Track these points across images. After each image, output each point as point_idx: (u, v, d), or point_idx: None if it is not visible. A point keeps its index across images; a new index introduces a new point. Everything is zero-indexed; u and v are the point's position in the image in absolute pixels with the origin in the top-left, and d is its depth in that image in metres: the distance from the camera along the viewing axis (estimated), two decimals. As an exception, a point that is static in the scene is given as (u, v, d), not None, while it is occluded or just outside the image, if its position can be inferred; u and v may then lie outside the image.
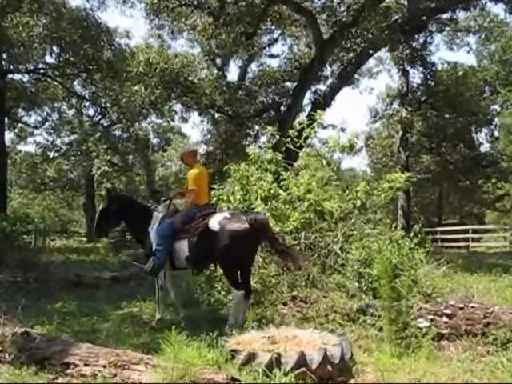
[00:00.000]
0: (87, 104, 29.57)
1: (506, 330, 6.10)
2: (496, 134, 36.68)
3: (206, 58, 26.70)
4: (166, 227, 7.41)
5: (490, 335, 6.19)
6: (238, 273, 7.17)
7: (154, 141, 41.69)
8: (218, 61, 28.50)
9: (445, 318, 6.66)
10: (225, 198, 9.72)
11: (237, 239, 6.92)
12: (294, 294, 8.25)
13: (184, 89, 23.77)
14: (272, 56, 28.83)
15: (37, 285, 11.04)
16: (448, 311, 6.70)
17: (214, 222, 7.12)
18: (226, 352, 5.29)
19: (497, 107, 37.91)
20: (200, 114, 27.79)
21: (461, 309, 6.63)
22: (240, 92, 25.75)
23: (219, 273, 8.40)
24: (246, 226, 6.95)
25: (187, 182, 7.80)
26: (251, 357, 5.07)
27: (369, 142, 38.94)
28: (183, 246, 7.33)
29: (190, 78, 23.91)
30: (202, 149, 29.00)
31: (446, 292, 8.11)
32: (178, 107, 29.38)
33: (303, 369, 4.90)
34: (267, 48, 28.25)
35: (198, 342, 5.46)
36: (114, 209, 7.91)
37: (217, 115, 27.34)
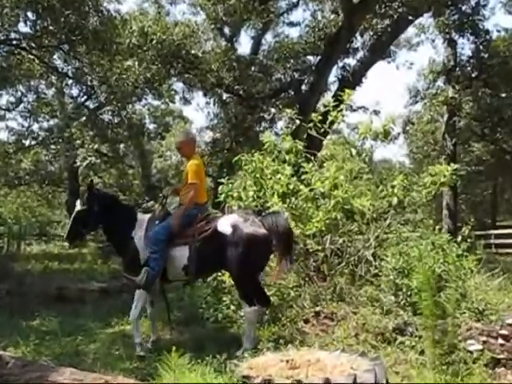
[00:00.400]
0: (70, 82, 29.40)
1: None
2: None
3: (212, 27, 26.62)
4: (161, 230, 7.41)
5: (555, 361, 6.18)
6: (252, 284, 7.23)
7: (151, 126, 41.59)
8: (227, 30, 28.44)
9: (501, 340, 6.64)
10: (235, 194, 9.78)
11: (254, 245, 7.10)
12: (317, 309, 8.29)
13: (186, 64, 23.74)
14: (291, 24, 28.66)
15: (10, 299, 11.13)
16: (504, 332, 6.68)
17: (225, 224, 7.17)
18: (237, 378, 5.27)
19: None
20: (205, 95, 27.78)
21: (520, 329, 6.62)
22: (253, 68, 25.68)
23: (228, 284, 8.45)
24: (264, 230, 7.07)
25: (184, 176, 7.84)
26: (267, 384, 5.09)
27: (407, 128, 38.73)
28: (181, 254, 7.36)
29: (192, 52, 23.88)
30: (208, 136, 29.13)
31: (502, 308, 8.05)
32: (178, 86, 29.30)
33: (328, 399, 4.92)
34: (285, 15, 28.13)
35: (203, 366, 5.48)
36: (95, 210, 7.85)
37: (225, 96, 27.33)
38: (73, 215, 7.97)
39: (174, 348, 4.96)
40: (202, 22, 26.37)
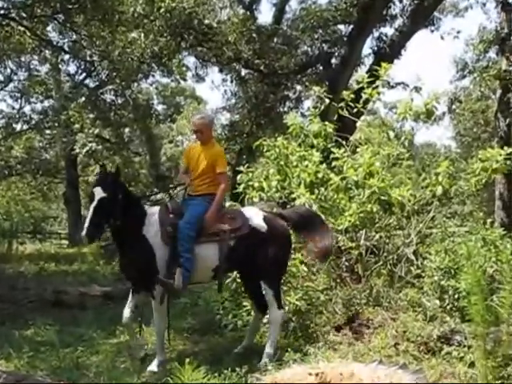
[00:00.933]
0: (66, 57, 29.52)
1: None
2: None
3: (229, -8, 26.67)
4: (189, 226, 7.34)
5: None
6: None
7: (159, 108, 41.85)
8: (245, -4, 28.47)
9: None
10: (256, 184, 9.79)
11: (288, 241, 7.68)
12: (350, 314, 8.30)
13: (198, 36, 23.72)
14: (319, -12, 28.66)
15: (1, 305, 11.19)
16: None
17: (260, 220, 7.41)
18: (259, 394, 5.33)
19: None
20: (221, 71, 27.79)
21: None
22: (275, 40, 25.62)
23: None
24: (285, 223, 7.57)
25: (194, 163, 7.82)
26: (293, 400, 5.11)
27: (454, 107, 38.47)
28: (210, 253, 7.40)
29: (206, 21, 23.84)
30: (225, 118, 29.18)
31: None
32: (190, 61, 29.34)
33: (364, 418, 4.93)
34: (313, -23, 28.07)
35: (221, 380, 5.52)
36: (120, 198, 7.44)
37: (244, 72, 27.30)
38: (93, 204, 7.18)
39: (187, 360, 4.97)
40: (217, -13, 26.34)
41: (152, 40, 22.25)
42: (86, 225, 7.08)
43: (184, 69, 29.84)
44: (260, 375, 5.80)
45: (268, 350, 7.11)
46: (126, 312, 7.59)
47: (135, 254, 7.44)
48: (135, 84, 28.34)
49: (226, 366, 6.02)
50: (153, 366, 7.16)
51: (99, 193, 7.17)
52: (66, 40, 26.93)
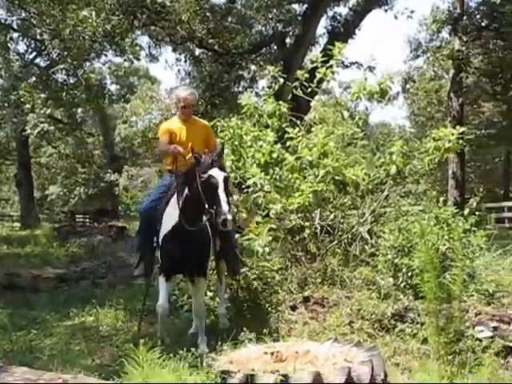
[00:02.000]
0: (15, 36, 29.15)
1: None
2: None
3: (183, -31, 26.45)
4: None
5: None
6: None
7: (112, 87, 41.53)
8: (199, -25, 28.26)
9: (514, 326, 6.76)
10: (210, 164, 9.77)
11: None
12: (306, 294, 8.35)
13: (152, 15, 23.56)
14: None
15: (-50, 289, 11.08)
16: (518, 316, 6.79)
17: None
18: (215, 374, 5.32)
19: None
20: (175, 50, 27.61)
21: (535, 312, 6.73)
22: (229, 19, 25.53)
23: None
24: None
25: (199, 138, 7.71)
26: (249, 380, 5.13)
27: (408, 86, 38.80)
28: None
29: (159, 0, 23.70)
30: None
31: (516, 290, 8.18)
32: (144, 40, 29.14)
33: (319, 395, 4.99)
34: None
35: (176, 361, 5.51)
36: None
37: (198, 51, 27.18)
38: (223, 186, 6.64)
39: (142, 341, 4.97)
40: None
41: (104, 18, 21.98)
42: (226, 208, 6.47)
43: (137, 48, 29.57)
44: (216, 355, 5.83)
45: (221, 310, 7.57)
46: (164, 302, 7.22)
47: (207, 237, 7.32)
48: (87, 63, 27.94)
49: (181, 347, 5.99)
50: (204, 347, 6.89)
51: (219, 174, 6.70)
52: (15, 18, 26.48)
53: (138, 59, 31.92)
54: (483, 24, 31.30)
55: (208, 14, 24.30)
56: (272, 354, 5.74)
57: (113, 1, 22.07)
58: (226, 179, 6.72)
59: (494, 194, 40.36)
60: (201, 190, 6.63)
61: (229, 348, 6.06)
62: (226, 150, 9.75)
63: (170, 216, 7.14)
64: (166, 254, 7.19)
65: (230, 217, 6.37)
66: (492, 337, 6.61)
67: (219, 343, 6.26)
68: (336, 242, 9.33)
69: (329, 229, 9.60)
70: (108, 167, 41.58)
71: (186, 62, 28.34)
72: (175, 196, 7.21)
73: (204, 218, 6.72)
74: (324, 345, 6.11)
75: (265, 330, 6.94)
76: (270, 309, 8.05)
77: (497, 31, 30.89)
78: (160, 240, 7.28)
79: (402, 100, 41.27)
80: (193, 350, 5.84)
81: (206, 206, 6.56)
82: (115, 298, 9.58)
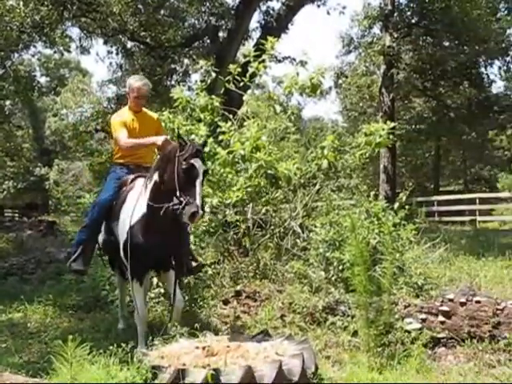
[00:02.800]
0: None
1: (523, 331, 6.34)
2: (513, 68, 37.15)
3: (113, -39, 26.18)
4: None
5: (501, 339, 6.44)
6: None
7: (42, 80, 40.91)
8: (133, -34, 28.01)
9: (441, 318, 6.91)
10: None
11: None
12: (238, 288, 8.38)
13: (82, 6, 23.18)
14: (205, -39, 28.48)
15: None
16: (445, 308, 6.94)
17: None
18: (146, 369, 5.31)
19: (515, 32, 38.59)
20: (106, 43, 27.30)
21: (462, 305, 6.87)
22: (162, 12, 25.37)
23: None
24: None
25: (150, 130, 7.44)
26: (180, 375, 5.12)
27: (340, 81, 39.13)
28: None
29: (90, -9, 23.44)
30: (111, 91, 28.70)
31: (444, 283, 8.35)
32: (74, 32, 28.77)
33: (251, 389, 5.01)
34: None
35: (107, 356, 5.46)
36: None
37: (130, 44, 26.92)
38: (200, 178, 6.31)
39: (70, 337, 4.91)
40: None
41: (32, 9, 21.53)
42: (199, 201, 6.15)
43: (67, 40, 29.09)
44: (147, 350, 5.80)
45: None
46: (144, 310, 6.84)
47: (184, 231, 7.11)
48: (16, 54, 27.46)
49: (112, 342, 5.94)
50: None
51: (201, 165, 6.35)
52: None
53: (69, 51, 31.42)
54: (413, 21, 31.80)
55: (140, 6, 24.06)
56: (203, 348, 5.73)
57: (42, -9, 21.69)
58: (205, 173, 6.51)
59: (424, 188, 41.18)
60: (177, 176, 6.22)
61: (160, 343, 6.03)
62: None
63: (133, 208, 6.67)
64: (138, 250, 6.51)
65: (200, 212, 6.08)
66: (420, 328, 6.75)
67: (150, 338, 6.24)
68: (268, 236, 9.38)
69: (261, 223, 9.63)
70: (38, 161, 41.01)
71: (117, 54, 28.03)
72: (136, 188, 6.90)
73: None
74: (255, 338, 6.13)
75: (197, 325, 6.94)
76: (202, 303, 8.03)
77: (426, 28, 31.44)
78: (125, 236, 6.62)
79: (334, 95, 41.69)
80: (123, 345, 5.79)
81: (178, 193, 6.16)
82: (44, 293, 9.43)
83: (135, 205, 6.67)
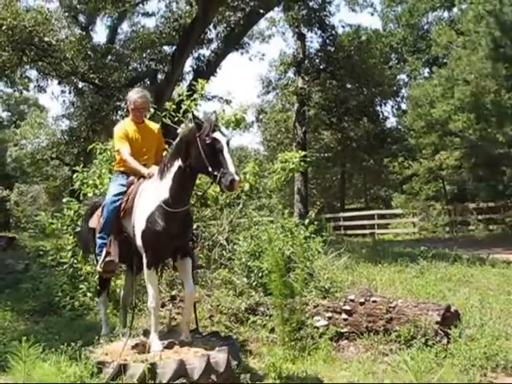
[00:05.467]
0: None
1: (410, 325, 6.41)
2: (403, 106, 38.12)
3: (67, 14, 25.86)
4: None
5: (393, 332, 6.51)
6: None
7: (4, 114, 40.02)
8: (82, 19, 27.71)
9: (344, 315, 6.95)
10: (90, 182, 9.54)
11: None
12: (173, 293, 8.31)
13: (39, 51, 22.91)
14: (147, 14, 28.37)
15: None
16: (347, 307, 6.98)
17: None
18: (92, 365, 5.22)
19: (404, 77, 39.65)
20: (60, 83, 26.96)
21: (361, 304, 6.92)
22: (109, 57, 25.22)
23: (84, 271, 8.32)
24: None
25: (154, 142, 6.91)
26: (122, 369, 5.06)
27: (261, 117, 39.48)
28: None
29: (46, 39, 23.04)
30: (64, 125, 28.21)
31: (347, 286, 8.44)
32: (32, 74, 28.26)
33: (183, 380, 4.96)
34: (141, 5, 27.76)
35: (58, 355, 5.34)
36: None
37: (81, 84, 26.66)
38: (226, 148, 5.62)
39: (24, 338, 4.79)
40: (56, 10, 25.51)
41: (-6, 53, 21.18)
42: (233, 169, 5.44)
43: (26, 80, 28.74)
44: (93, 348, 5.70)
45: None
46: (157, 298, 6.03)
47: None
48: (-20, 93, 26.91)
49: (63, 342, 5.81)
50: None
51: (222, 137, 5.67)
52: None
53: (27, 90, 30.98)
54: (321, 67, 32.43)
55: (89, 52, 23.94)
56: (143, 345, 5.66)
57: (3, 39, 21.29)
58: (228, 142, 5.74)
59: (332, 206, 41.66)
60: (204, 153, 5.53)
61: (105, 342, 5.94)
62: (103, 170, 9.59)
63: (150, 198, 5.93)
64: (159, 236, 5.79)
65: (237, 177, 5.40)
66: (327, 325, 6.79)
67: (96, 338, 6.13)
68: (199, 248, 9.31)
69: (193, 237, 9.57)
70: (0, 184, 40.06)
71: (70, 93, 27.77)
72: (148, 181, 6.16)
73: None
74: (187, 336, 6.08)
75: (136, 325, 6.87)
76: (142, 307, 7.93)
77: (332, 73, 32.09)
78: (144, 224, 5.86)
79: (256, 128, 41.89)
80: (73, 344, 5.66)
81: (210, 169, 5.49)
82: (4, 300, 9.17)
83: (152, 194, 5.94)
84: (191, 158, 5.68)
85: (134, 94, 6.86)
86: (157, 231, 5.74)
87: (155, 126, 7.12)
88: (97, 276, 7.21)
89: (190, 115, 6.60)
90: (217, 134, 5.57)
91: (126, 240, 6.22)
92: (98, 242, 6.49)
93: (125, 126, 6.86)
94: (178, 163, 5.79)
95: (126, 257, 6.32)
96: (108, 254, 6.32)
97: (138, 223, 5.94)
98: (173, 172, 5.81)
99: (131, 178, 6.53)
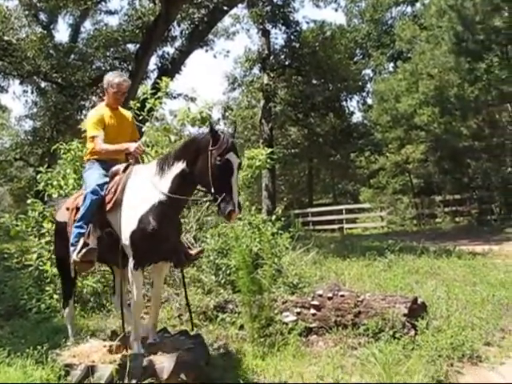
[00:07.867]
0: None
1: (378, 318, 6.47)
2: (369, 101, 38.53)
3: (27, 12, 25.56)
4: None
5: (361, 325, 6.56)
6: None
7: (-36, 116, 39.42)
8: (43, 17, 27.44)
9: (313, 310, 6.98)
10: (55, 183, 9.45)
11: None
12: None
13: (-1, 51, 22.67)
14: (109, 12, 28.24)
15: None
16: (316, 302, 7.01)
17: None
18: (59, 368, 5.18)
19: (369, 72, 39.97)
20: (22, 83, 26.68)
21: (330, 299, 6.96)
22: (72, 56, 25.04)
23: (50, 273, 8.24)
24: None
25: (117, 127, 6.43)
26: (90, 371, 5.03)
27: (227, 114, 39.42)
28: None
29: (6, 38, 22.83)
30: (28, 125, 27.97)
31: (315, 281, 8.49)
32: (-8, 73, 27.95)
33: (152, 380, 4.95)
34: (103, 3, 27.54)
35: (23, 359, 5.29)
36: None
37: (43, 84, 26.45)
38: (235, 174, 5.30)
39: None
40: (16, 8, 25.22)
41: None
42: (236, 199, 5.14)
43: (-13, 80, 28.34)
44: (60, 351, 5.65)
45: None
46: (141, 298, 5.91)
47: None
48: None
49: (29, 346, 5.74)
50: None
51: (236, 160, 5.30)
52: None
53: (-12, 90, 30.57)
54: (287, 63, 32.49)
55: (52, 51, 23.72)
56: (110, 347, 5.64)
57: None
58: (239, 166, 5.45)
59: (301, 202, 41.78)
60: (211, 171, 5.16)
61: (72, 344, 5.89)
62: (68, 171, 9.51)
63: (144, 196, 5.56)
64: (151, 239, 5.44)
65: (237, 210, 5.11)
66: (296, 320, 6.81)
67: (63, 340, 6.08)
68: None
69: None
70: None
71: (32, 93, 27.55)
72: (139, 175, 5.80)
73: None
74: (156, 335, 6.06)
75: (106, 326, 6.84)
76: (110, 308, 7.90)
77: (297, 69, 32.17)
78: (135, 224, 5.48)
79: (222, 125, 41.87)
80: (39, 347, 5.60)
81: (212, 189, 5.15)
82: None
83: (147, 192, 5.56)
84: (196, 167, 5.34)
85: (116, 78, 6.48)
86: (149, 233, 5.41)
87: (129, 114, 6.82)
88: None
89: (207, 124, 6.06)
90: (230, 156, 5.20)
91: (109, 235, 5.77)
92: (75, 231, 5.94)
93: (100, 111, 6.46)
94: (182, 165, 5.46)
95: (106, 255, 5.90)
96: (86, 244, 5.80)
97: (127, 221, 5.57)
98: (174, 173, 5.48)
99: (116, 167, 6.07)
